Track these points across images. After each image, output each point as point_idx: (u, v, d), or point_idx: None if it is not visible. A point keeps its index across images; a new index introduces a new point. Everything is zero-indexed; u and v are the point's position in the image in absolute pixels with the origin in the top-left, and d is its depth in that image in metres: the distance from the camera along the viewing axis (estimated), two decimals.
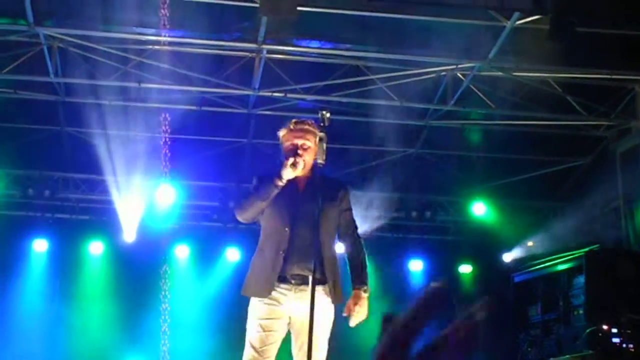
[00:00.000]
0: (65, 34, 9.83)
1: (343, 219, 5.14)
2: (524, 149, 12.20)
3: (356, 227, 5.19)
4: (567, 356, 10.22)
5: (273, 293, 4.96)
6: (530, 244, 13.09)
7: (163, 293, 11.06)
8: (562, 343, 11.56)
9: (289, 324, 5.02)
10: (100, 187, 12.44)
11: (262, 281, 4.98)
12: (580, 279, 11.86)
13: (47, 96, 10.85)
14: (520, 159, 12.46)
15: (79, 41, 9.91)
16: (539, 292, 12.91)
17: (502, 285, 13.23)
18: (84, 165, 12.06)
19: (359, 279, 5.05)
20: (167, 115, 10.71)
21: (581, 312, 11.59)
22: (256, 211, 5.01)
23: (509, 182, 12.76)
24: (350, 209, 5.20)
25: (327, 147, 4.81)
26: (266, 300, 4.97)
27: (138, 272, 12.05)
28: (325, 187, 5.04)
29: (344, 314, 4.99)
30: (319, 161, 4.86)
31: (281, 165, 4.98)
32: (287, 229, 4.98)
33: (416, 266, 14.16)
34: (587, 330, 10.51)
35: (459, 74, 10.66)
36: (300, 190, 5.08)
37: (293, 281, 4.96)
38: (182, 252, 13.00)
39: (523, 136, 11.82)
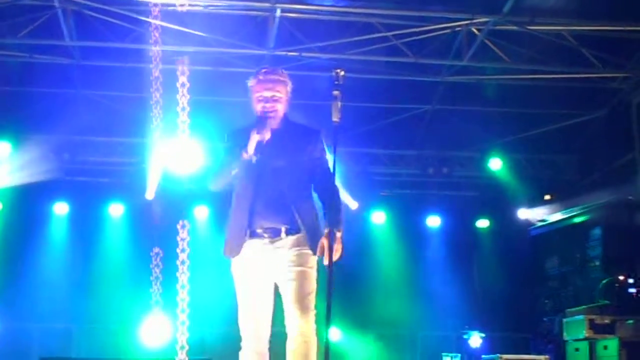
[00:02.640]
0: None
1: (316, 168, 4.85)
2: (539, 103, 12.16)
3: (330, 175, 4.74)
4: (584, 307, 10.28)
5: (246, 250, 4.79)
6: (547, 197, 13.10)
7: (182, 248, 11.10)
8: (579, 294, 11.64)
9: (273, 281, 4.83)
10: (118, 149, 12.55)
11: (233, 240, 4.82)
12: (597, 231, 11.91)
13: (62, 59, 10.85)
14: (536, 113, 12.43)
15: (93, 4, 9.90)
16: (556, 245, 12.98)
17: (520, 239, 13.30)
18: (101, 128, 12.12)
19: (330, 221, 4.64)
20: (185, 76, 10.69)
21: (597, 263, 11.67)
22: (226, 182, 4.85)
23: (525, 136, 12.75)
24: (321, 157, 4.89)
25: (341, 106, 4.59)
26: (241, 259, 4.81)
27: (158, 232, 12.13)
28: (295, 136, 4.87)
29: (317, 254, 4.69)
30: (334, 119, 4.59)
31: (256, 122, 4.79)
32: (251, 184, 4.77)
33: (434, 222, 14.23)
34: (604, 281, 10.57)
35: (473, 29, 10.58)
36: (268, 143, 4.80)
37: (266, 235, 4.77)
38: (201, 213, 13.14)
39: (539, 90, 11.77)
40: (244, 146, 4.73)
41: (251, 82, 4.88)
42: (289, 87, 4.91)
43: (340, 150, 4.65)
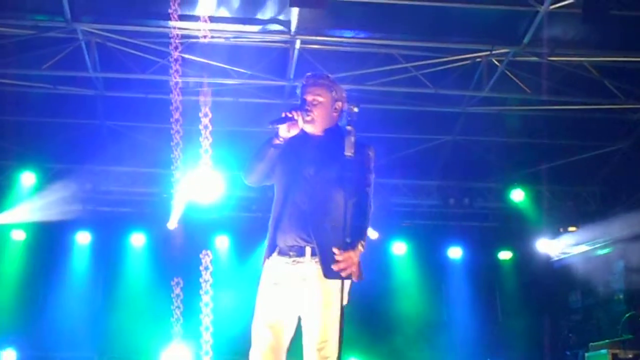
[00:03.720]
0: (102, 29, 9.97)
1: (354, 183, 4.49)
2: (561, 135, 12.12)
3: (367, 193, 4.54)
4: (607, 341, 10.18)
5: (274, 268, 4.57)
6: (571, 229, 13.04)
7: (204, 280, 11.13)
8: (603, 328, 11.54)
9: (297, 305, 4.56)
10: (141, 179, 12.60)
11: (266, 250, 4.63)
12: (620, 264, 11.83)
13: (86, 91, 10.98)
14: (558, 144, 12.39)
15: (116, 36, 10.04)
16: (579, 278, 12.89)
17: (542, 271, 13.22)
18: (124, 158, 12.21)
19: (349, 232, 4.36)
20: (206, 107, 10.76)
21: (621, 297, 11.57)
22: (259, 173, 4.63)
23: (547, 167, 12.71)
24: (364, 173, 4.59)
25: (354, 141, 4.44)
26: (267, 271, 4.60)
27: (179, 261, 12.17)
28: (337, 147, 4.48)
29: (333, 267, 4.39)
30: (347, 153, 4.42)
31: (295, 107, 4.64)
32: (282, 194, 4.59)
33: (455, 253, 14.17)
34: (626, 315, 10.48)
35: (494, 60, 10.61)
36: (305, 151, 4.62)
37: (291, 253, 4.54)
38: (222, 242, 13.18)
39: (560, 121, 11.73)
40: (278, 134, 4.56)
41: (298, 89, 4.77)
42: (336, 94, 4.71)
43: None
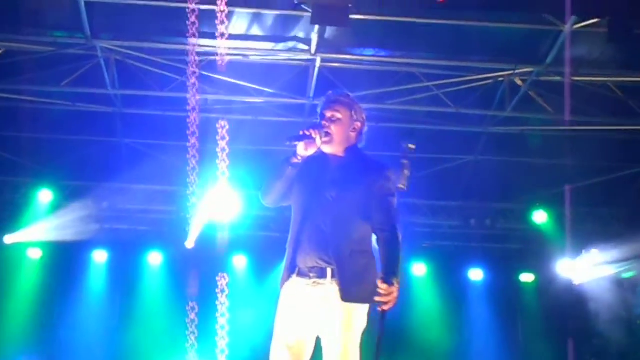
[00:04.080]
0: (121, 47, 9.99)
1: (376, 207, 4.50)
2: (584, 155, 11.98)
3: (390, 217, 4.50)
4: None
5: (294, 289, 4.54)
6: (593, 252, 12.90)
7: (221, 302, 11.08)
8: (625, 353, 11.40)
9: (316, 326, 4.52)
10: (158, 197, 12.58)
11: (283, 272, 4.60)
12: None
13: (104, 108, 11.00)
14: (581, 165, 12.25)
15: (135, 53, 10.05)
16: (603, 302, 12.74)
17: (565, 294, 13.08)
18: (141, 176, 12.18)
19: (385, 265, 4.38)
20: (225, 125, 10.75)
21: None
22: (277, 193, 4.61)
23: (570, 189, 12.57)
24: (386, 196, 4.54)
25: (409, 175, 4.55)
26: (286, 292, 4.57)
27: (196, 281, 12.13)
28: (356, 167, 4.55)
29: (375, 298, 4.37)
30: (400, 186, 4.51)
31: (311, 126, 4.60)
32: (300, 215, 4.56)
33: (476, 275, 14.06)
34: None
35: (516, 80, 10.56)
36: (325, 172, 4.59)
37: (311, 274, 4.49)
38: (240, 262, 13.13)
39: (583, 142, 11.61)
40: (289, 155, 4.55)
41: (318, 109, 4.73)
42: (355, 114, 4.67)
43: None
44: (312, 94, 10.46)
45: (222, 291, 10.64)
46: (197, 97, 10.16)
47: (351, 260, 4.46)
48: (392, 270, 4.39)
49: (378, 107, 10.62)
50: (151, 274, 13.37)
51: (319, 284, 4.50)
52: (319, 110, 4.69)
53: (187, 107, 10.52)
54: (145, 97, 10.82)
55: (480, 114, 11.20)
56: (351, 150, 4.65)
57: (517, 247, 13.75)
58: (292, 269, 4.56)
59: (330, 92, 4.78)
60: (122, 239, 12.89)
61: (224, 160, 10.52)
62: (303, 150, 4.52)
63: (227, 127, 10.63)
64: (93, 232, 12.53)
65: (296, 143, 4.52)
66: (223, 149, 10.50)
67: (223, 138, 10.60)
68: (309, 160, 4.57)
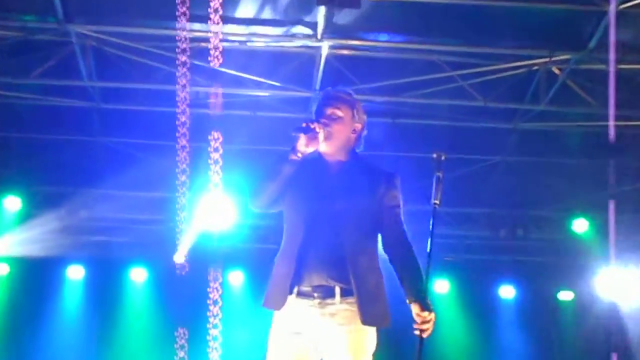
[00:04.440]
0: (99, 32, 9.93)
1: (386, 219, 4.63)
2: (632, 154, 11.97)
3: (403, 231, 4.65)
4: None
5: (294, 312, 4.56)
6: None
7: (213, 325, 11.08)
8: None
9: (319, 351, 4.57)
10: (143, 204, 12.57)
11: (276, 291, 4.59)
12: None
13: (80, 102, 10.97)
14: (628, 165, 12.23)
15: (115, 39, 10.00)
16: None
17: (607, 314, 13.04)
18: (123, 180, 12.15)
19: (415, 288, 4.50)
20: (217, 122, 10.76)
21: None
22: (270, 195, 4.60)
23: (614, 193, 12.52)
24: (395, 207, 4.67)
25: (442, 189, 4.71)
26: (283, 315, 4.58)
27: (185, 301, 12.11)
28: (362, 174, 4.64)
29: (417, 327, 4.48)
30: (435, 201, 4.66)
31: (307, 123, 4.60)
32: (302, 226, 4.58)
33: (507, 292, 14.05)
34: None
35: (553, 68, 10.53)
36: (328, 178, 4.65)
37: (316, 294, 4.53)
38: (236, 278, 13.12)
39: (630, 139, 11.60)
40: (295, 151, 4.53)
41: (314, 107, 4.78)
42: (357, 114, 4.72)
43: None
44: (318, 86, 10.41)
45: (215, 314, 10.60)
46: (188, 90, 10.18)
47: (367, 279, 4.55)
48: (423, 293, 4.50)
49: (394, 101, 10.62)
50: (134, 292, 13.42)
51: (326, 304, 4.54)
52: (316, 106, 4.74)
53: (176, 102, 10.55)
54: (127, 90, 10.79)
55: (511, 108, 11.19)
56: (354, 154, 4.73)
57: (553, 261, 13.73)
58: (290, 289, 4.56)
59: (329, 88, 4.84)
60: (101, 253, 12.93)
61: (218, 162, 10.51)
62: (304, 146, 4.52)
63: (223, 116, 10.66)
64: (68, 245, 12.52)
65: (299, 135, 4.51)
66: (217, 149, 10.49)
67: (217, 131, 10.60)
68: (305, 161, 4.59)
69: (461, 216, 13.18)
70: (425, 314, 4.45)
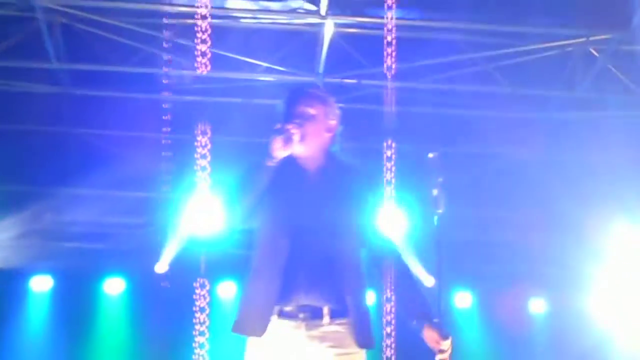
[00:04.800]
0: (68, 6, 9.89)
1: (371, 228, 4.85)
2: None
3: (390, 241, 4.93)
4: None
5: (276, 332, 4.64)
6: None
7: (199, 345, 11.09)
8: None
9: None
10: (119, 206, 12.54)
11: (253, 314, 4.68)
12: None
13: (47, 88, 10.95)
14: None
15: (86, 14, 9.97)
16: None
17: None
18: (97, 178, 12.10)
19: (425, 308, 4.74)
20: (206, 111, 10.75)
21: None
22: (245, 208, 4.71)
23: None
24: (374, 214, 4.91)
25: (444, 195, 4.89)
26: (264, 340, 4.65)
27: (168, 317, 12.10)
28: (345, 180, 4.83)
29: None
30: (438, 210, 4.85)
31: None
32: (286, 239, 4.68)
33: (540, 306, 14.04)
34: None
35: (591, 50, 10.55)
36: (309, 185, 4.81)
37: (301, 315, 4.63)
38: (226, 290, 13.10)
39: None
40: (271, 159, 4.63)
41: (281, 104, 4.89)
42: (330, 109, 4.87)
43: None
44: (321, 69, 10.43)
45: (202, 333, 10.63)
46: (172, 74, 10.16)
47: (361, 297, 4.75)
48: (432, 316, 4.72)
49: (409, 86, 10.65)
50: (109, 306, 13.40)
51: (314, 325, 4.65)
52: (284, 107, 4.84)
53: (159, 88, 10.54)
54: (101, 74, 10.75)
55: (543, 95, 11.24)
56: (331, 155, 4.90)
57: None
58: (270, 310, 4.64)
59: (295, 85, 5.16)
60: (71, 262, 12.87)
61: (206, 156, 10.49)
62: (280, 150, 4.60)
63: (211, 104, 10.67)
64: (32, 253, 12.49)
65: (278, 138, 4.60)
66: (205, 143, 10.48)
67: (205, 129, 10.60)
68: (281, 168, 4.68)
69: (487, 219, 13.11)
70: (447, 342, 4.65)
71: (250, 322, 4.65)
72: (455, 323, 13.76)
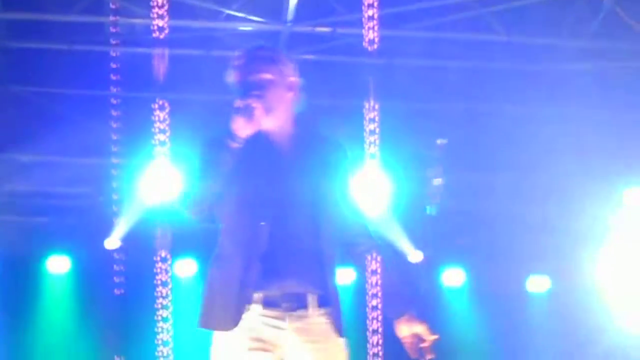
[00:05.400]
0: None
1: (346, 205, 4.85)
2: None
3: (366, 219, 5.00)
4: None
5: (254, 324, 4.63)
6: None
7: (159, 332, 11.04)
8: None
9: None
10: (63, 174, 12.48)
11: (224, 304, 4.65)
12: None
13: None
14: None
15: None
16: None
17: None
18: (38, 142, 12.05)
19: (409, 300, 4.81)
20: (158, 63, 10.65)
21: None
22: (211, 197, 4.67)
23: None
24: (348, 189, 4.93)
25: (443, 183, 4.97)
26: (235, 335, 4.62)
27: (120, 299, 12.02)
28: (318, 149, 4.85)
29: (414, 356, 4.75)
30: (433, 202, 4.93)
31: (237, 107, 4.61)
32: (263, 222, 4.66)
33: (539, 284, 14.07)
34: None
35: None
36: (282, 158, 4.79)
37: (284, 305, 4.65)
38: (185, 268, 12.99)
39: None
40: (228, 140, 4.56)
41: (229, 77, 4.77)
42: (287, 67, 4.82)
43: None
44: (290, 16, 10.39)
45: (163, 317, 10.56)
46: (118, 22, 10.06)
47: (335, 281, 4.77)
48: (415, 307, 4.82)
49: (394, 35, 10.66)
50: (53, 287, 13.39)
51: (298, 316, 4.68)
52: (236, 80, 4.77)
53: (106, 38, 10.43)
54: (40, 24, 10.71)
55: (544, 44, 11.23)
56: (298, 119, 4.88)
57: None
58: (246, 299, 4.63)
59: (237, 52, 4.86)
60: (10, 237, 12.82)
61: (160, 117, 10.42)
62: (243, 130, 4.55)
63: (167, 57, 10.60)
64: None
65: (234, 118, 4.55)
66: (161, 102, 10.41)
67: (161, 85, 10.55)
68: (246, 143, 4.64)
69: (481, 185, 13.11)
70: (434, 336, 4.72)
71: (220, 314, 4.64)
72: (445, 303, 13.76)
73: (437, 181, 4.94)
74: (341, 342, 4.72)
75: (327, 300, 4.69)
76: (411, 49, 10.96)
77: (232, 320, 4.59)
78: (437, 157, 4.96)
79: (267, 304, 4.62)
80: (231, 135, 4.52)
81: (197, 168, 4.68)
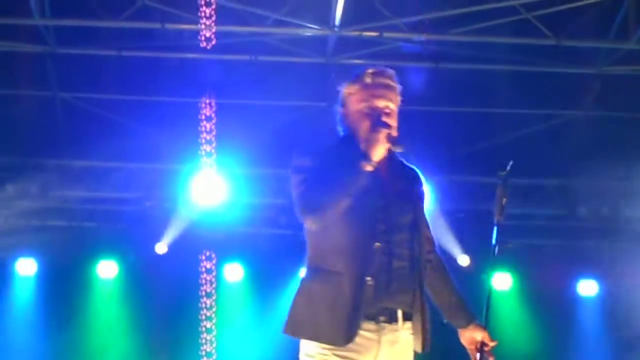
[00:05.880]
0: None
1: (428, 228, 5.09)
2: None
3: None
4: None
5: (359, 339, 4.77)
6: None
7: (205, 333, 11.16)
8: None
9: None
10: (112, 179, 12.56)
11: (338, 321, 4.76)
12: None
13: (30, 47, 11.00)
14: None
15: None
16: None
17: None
18: (88, 148, 12.18)
19: (468, 306, 5.10)
20: (209, 70, 10.77)
21: None
22: (335, 212, 4.79)
23: None
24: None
25: (506, 203, 5.20)
26: (341, 350, 4.77)
27: (168, 303, 12.17)
28: (412, 179, 5.04)
29: None
30: (497, 217, 5.16)
31: (366, 139, 4.76)
32: (377, 242, 4.80)
33: (588, 288, 14.06)
34: None
35: None
36: (385, 183, 4.89)
37: (382, 319, 4.81)
38: (233, 273, 13.20)
39: None
40: (354, 160, 4.73)
41: (349, 89, 4.93)
42: (399, 98, 4.96)
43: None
44: (338, 22, 10.39)
45: (209, 318, 10.66)
46: (167, 28, 10.17)
47: (424, 298, 4.96)
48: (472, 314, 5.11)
49: (438, 39, 10.66)
50: (101, 291, 13.46)
51: (391, 330, 4.84)
52: (355, 93, 4.93)
53: (155, 45, 10.56)
54: (89, 30, 10.80)
55: (591, 47, 11.22)
56: (391, 151, 4.92)
57: None
58: (358, 317, 4.77)
59: (370, 70, 4.96)
60: (59, 242, 12.88)
61: (211, 119, 10.53)
62: (381, 153, 4.76)
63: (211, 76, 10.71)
64: (16, 232, 12.54)
65: (382, 131, 4.73)
66: (209, 106, 10.52)
67: (208, 92, 10.64)
68: (345, 153, 4.81)
69: (526, 189, 13.11)
70: (494, 341, 5.05)
71: (331, 328, 4.77)
72: (493, 308, 13.73)
73: (505, 201, 5.16)
74: (412, 353, 4.92)
75: (411, 315, 4.84)
76: (460, 53, 11.04)
77: (344, 336, 4.73)
78: (505, 179, 5.15)
79: (369, 317, 4.77)
80: (367, 158, 4.70)
81: (320, 179, 4.78)
